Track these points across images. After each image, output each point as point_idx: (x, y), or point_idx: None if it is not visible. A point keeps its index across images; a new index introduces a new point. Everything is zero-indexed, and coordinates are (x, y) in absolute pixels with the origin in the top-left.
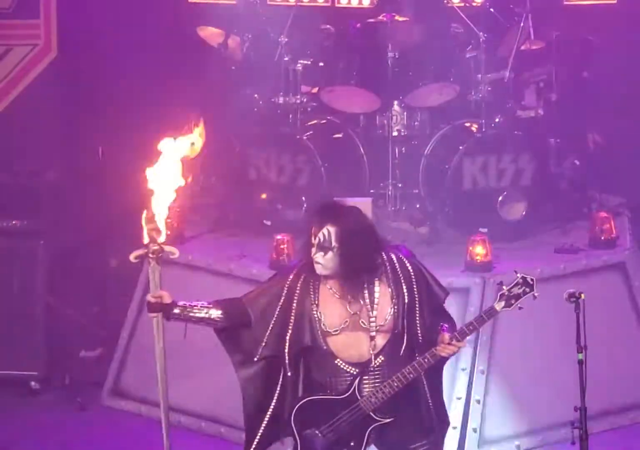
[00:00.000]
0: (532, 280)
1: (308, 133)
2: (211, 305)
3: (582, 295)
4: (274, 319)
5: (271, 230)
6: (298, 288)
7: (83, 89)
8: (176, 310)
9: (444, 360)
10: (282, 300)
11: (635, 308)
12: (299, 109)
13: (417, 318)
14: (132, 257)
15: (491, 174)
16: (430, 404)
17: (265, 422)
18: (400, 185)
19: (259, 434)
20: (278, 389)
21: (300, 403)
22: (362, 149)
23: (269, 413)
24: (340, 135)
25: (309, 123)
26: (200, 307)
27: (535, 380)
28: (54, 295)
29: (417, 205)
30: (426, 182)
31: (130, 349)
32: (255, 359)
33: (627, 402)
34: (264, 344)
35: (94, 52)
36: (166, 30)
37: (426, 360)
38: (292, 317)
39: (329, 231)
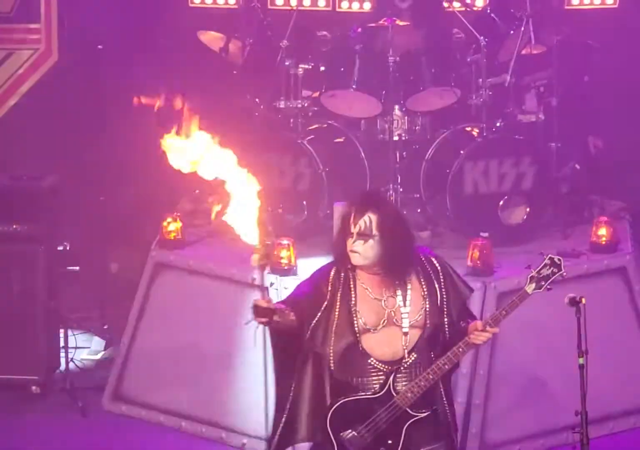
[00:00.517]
0: (559, 260)
1: (309, 137)
2: (290, 308)
3: (583, 300)
4: (319, 314)
5: (272, 234)
6: (340, 285)
7: (84, 94)
8: (276, 316)
9: (457, 363)
10: (327, 298)
11: (636, 312)
12: (300, 114)
13: (445, 315)
14: (255, 263)
15: (492, 179)
16: (447, 407)
17: (282, 423)
18: (401, 189)
19: (278, 434)
20: (292, 390)
21: (335, 406)
22: (363, 154)
23: (285, 414)
24: (341, 140)
25: (310, 127)
26: (288, 311)
27: (536, 384)
28: (54, 299)
29: (418, 210)
30: (427, 187)
31: (131, 353)
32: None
33: (628, 407)
34: (307, 337)
35: (95, 56)
36: (167, 34)
37: (460, 349)
38: (337, 314)
39: (370, 218)
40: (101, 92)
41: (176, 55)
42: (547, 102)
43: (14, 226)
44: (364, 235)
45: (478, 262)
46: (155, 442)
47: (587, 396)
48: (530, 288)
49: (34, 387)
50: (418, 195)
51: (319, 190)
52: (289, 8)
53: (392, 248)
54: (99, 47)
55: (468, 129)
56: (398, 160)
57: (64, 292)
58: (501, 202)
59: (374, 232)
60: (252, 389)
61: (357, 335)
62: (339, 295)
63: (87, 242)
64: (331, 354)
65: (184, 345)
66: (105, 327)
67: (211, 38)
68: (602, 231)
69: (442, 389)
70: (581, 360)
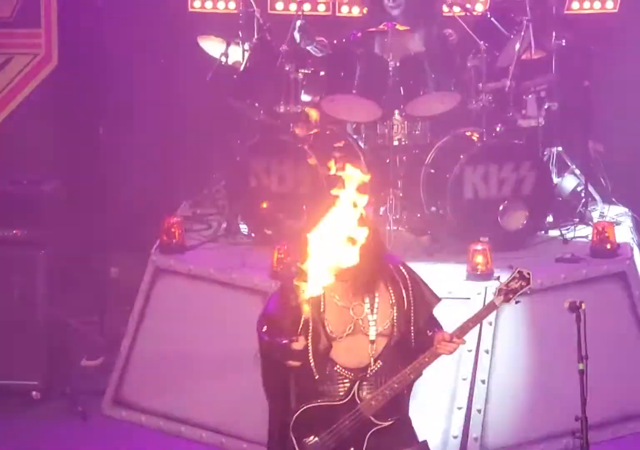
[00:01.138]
0: (528, 274)
1: (309, 142)
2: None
3: (583, 305)
4: (301, 326)
5: (272, 239)
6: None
7: (83, 99)
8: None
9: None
10: (302, 310)
11: (636, 317)
12: (300, 118)
13: (412, 323)
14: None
15: (492, 183)
16: (410, 417)
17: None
18: (401, 194)
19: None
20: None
21: (299, 411)
22: (362, 158)
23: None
24: (341, 144)
25: (310, 132)
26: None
27: (537, 389)
28: (54, 304)
29: (418, 215)
30: (427, 191)
31: (131, 358)
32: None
33: (628, 412)
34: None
35: (95, 61)
36: (167, 39)
37: (426, 359)
38: (311, 322)
39: None
40: (101, 97)
41: (176, 60)
42: (547, 107)
43: (14, 231)
44: None
45: (478, 266)
46: (155, 447)
47: (587, 401)
48: (498, 300)
49: (34, 392)
50: (418, 200)
51: (319, 195)
52: (288, 13)
53: (365, 256)
54: (99, 52)
55: (468, 133)
56: (398, 164)
57: (64, 296)
58: (501, 207)
59: None
60: (252, 394)
61: (332, 340)
62: (310, 304)
63: (88, 247)
64: (312, 362)
65: (184, 350)
66: (105, 331)
67: (211, 43)
68: (602, 236)
69: (407, 398)
70: (581, 366)
